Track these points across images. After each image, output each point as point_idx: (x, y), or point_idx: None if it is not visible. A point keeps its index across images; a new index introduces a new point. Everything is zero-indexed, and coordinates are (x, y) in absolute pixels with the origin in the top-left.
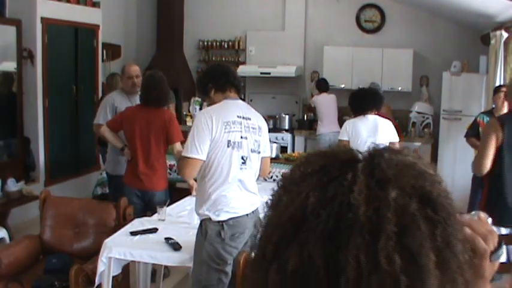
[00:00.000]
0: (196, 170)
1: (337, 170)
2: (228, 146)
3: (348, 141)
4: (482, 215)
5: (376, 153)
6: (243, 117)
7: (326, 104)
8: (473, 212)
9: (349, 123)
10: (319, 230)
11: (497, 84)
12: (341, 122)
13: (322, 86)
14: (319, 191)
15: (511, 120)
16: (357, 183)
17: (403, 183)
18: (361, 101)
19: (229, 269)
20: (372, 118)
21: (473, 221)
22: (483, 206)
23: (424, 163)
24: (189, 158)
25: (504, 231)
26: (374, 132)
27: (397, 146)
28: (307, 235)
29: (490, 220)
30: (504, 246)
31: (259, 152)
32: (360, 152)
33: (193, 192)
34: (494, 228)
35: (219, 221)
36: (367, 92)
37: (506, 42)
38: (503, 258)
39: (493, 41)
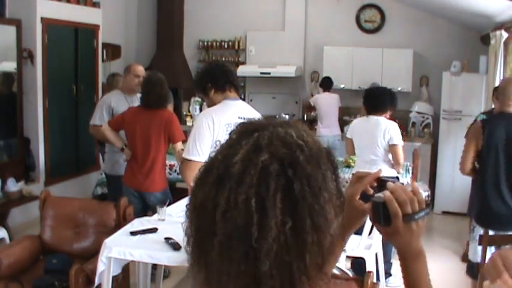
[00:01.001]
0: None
1: (243, 137)
2: None
3: (351, 139)
4: (416, 184)
5: (267, 127)
6: (244, 118)
7: (326, 105)
8: (409, 183)
9: (353, 122)
10: (214, 176)
11: (497, 84)
12: (341, 123)
13: (325, 84)
14: (227, 151)
15: (492, 123)
16: (243, 148)
17: (273, 150)
18: (365, 101)
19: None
20: (373, 119)
21: (397, 188)
22: (469, 207)
23: (299, 135)
24: (190, 160)
25: (491, 232)
26: (372, 133)
27: (398, 148)
28: (209, 179)
29: (425, 193)
30: (424, 213)
31: None
32: (264, 124)
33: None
34: (481, 230)
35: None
36: (370, 93)
37: (506, 42)
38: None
39: (493, 41)
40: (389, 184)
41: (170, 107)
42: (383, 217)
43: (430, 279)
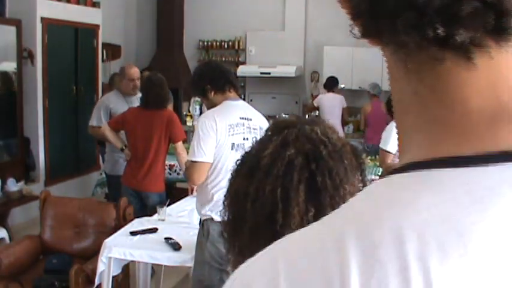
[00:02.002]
0: (204, 173)
1: (275, 133)
2: (231, 149)
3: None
4: None
5: (295, 124)
6: (245, 119)
7: (329, 105)
8: None
9: None
10: (247, 168)
11: None
12: (343, 123)
13: (328, 83)
14: (259, 146)
15: None
16: (272, 143)
17: (299, 145)
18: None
19: (231, 268)
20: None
21: None
22: None
23: (324, 132)
24: (196, 162)
25: None
26: (384, 136)
27: (382, 152)
28: (242, 171)
29: None
30: None
31: None
32: (293, 122)
33: (193, 193)
34: None
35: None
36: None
37: None
38: None
39: None
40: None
41: (170, 107)
42: None
43: None
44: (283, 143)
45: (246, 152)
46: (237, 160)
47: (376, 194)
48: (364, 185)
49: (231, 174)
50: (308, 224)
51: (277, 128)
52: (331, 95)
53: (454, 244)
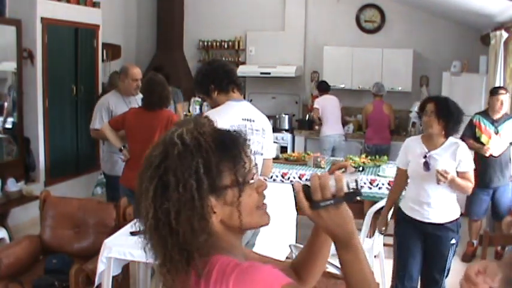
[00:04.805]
0: None
1: None
2: None
3: None
4: (338, 173)
5: (178, 125)
6: (248, 120)
7: (332, 106)
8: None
9: None
10: (146, 163)
11: (497, 84)
12: (343, 122)
13: (323, 87)
14: None
15: None
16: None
17: (162, 145)
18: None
19: None
20: None
21: (313, 175)
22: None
23: (180, 134)
24: None
25: None
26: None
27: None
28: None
29: (352, 183)
30: (333, 201)
31: (261, 154)
32: (180, 123)
33: None
34: None
35: None
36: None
37: (506, 42)
38: None
39: (493, 41)
40: (312, 174)
41: (179, 107)
42: (295, 202)
43: (364, 271)
44: (159, 143)
45: None
46: None
47: None
48: (236, 182)
49: None
50: (159, 216)
51: None
52: (326, 96)
53: None
